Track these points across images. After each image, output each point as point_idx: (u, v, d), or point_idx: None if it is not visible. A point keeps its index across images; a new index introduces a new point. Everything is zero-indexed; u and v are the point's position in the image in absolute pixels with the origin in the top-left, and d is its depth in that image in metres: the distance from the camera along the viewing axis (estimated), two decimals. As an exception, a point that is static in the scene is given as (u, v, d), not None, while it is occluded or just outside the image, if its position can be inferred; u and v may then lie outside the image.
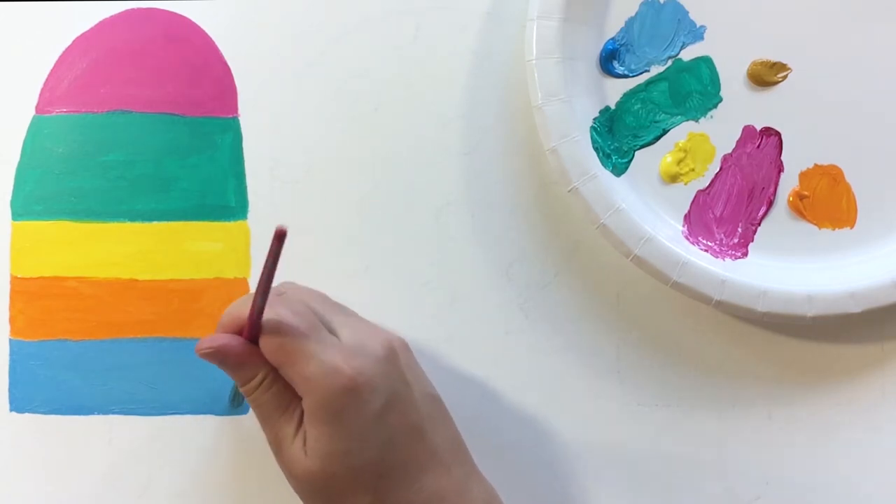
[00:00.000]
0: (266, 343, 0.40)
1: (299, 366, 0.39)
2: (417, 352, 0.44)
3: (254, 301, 0.39)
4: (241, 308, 0.41)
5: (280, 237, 0.37)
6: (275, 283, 0.43)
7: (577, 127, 0.46)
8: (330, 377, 0.39)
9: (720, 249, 0.48)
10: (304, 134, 0.49)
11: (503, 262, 0.49)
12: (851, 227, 0.48)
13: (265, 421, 0.41)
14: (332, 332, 0.41)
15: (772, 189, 0.48)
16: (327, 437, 0.39)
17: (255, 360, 0.40)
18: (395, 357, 0.41)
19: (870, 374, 0.49)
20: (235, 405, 0.48)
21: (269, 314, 0.39)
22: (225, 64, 0.49)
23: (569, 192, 0.46)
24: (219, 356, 0.40)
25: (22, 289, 0.49)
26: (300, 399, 0.40)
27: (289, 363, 0.39)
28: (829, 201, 0.48)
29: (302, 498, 0.41)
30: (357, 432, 0.39)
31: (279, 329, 0.39)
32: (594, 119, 0.48)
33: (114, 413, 0.48)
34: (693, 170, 0.48)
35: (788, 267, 0.47)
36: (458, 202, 0.49)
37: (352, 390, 0.39)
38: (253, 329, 0.40)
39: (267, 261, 0.38)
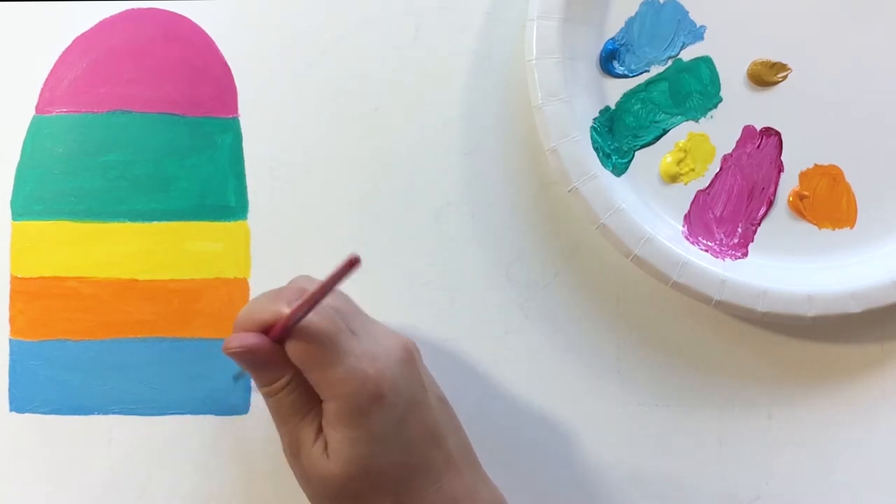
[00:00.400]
0: (293, 346, 0.39)
1: (326, 370, 0.39)
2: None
3: (298, 306, 0.38)
4: (260, 311, 0.40)
5: (352, 265, 0.36)
6: (284, 282, 0.43)
7: (577, 127, 0.46)
8: (356, 382, 0.39)
9: (720, 249, 0.48)
10: (304, 134, 0.49)
11: (503, 262, 0.49)
12: (851, 227, 0.48)
13: (284, 424, 0.41)
14: (353, 334, 0.41)
15: (772, 189, 0.48)
16: (351, 440, 0.39)
17: (281, 362, 0.40)
18: (413, 360, 0.41)
19: (870, 374, 0.49)
20: (236, 380, 0.48)
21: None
22: (225, 64, 0.49)
23: (569, 192, 0.46)
24: (247, 356, 0.40)
25: (22, 289, 0.49)
26: (320, 403, 0.40)
27: (315, 367, 0.39)
28: (829, 201, 0.48)
29: (318, 503, 0.41)
30: (380, 436, 0.39)
31: (307, 333, 0.39)
32: (594, 119, 0.48)
33: (114, 413, 0.48)
34: (693, 170, 0.48)
35: (788, 267, 0.47)
36: (458, 202, 0.49)
37: (377, 395, 0.39)
38: (282, 331, 0.39)
39: (331, 278, 0.38)
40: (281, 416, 0.41)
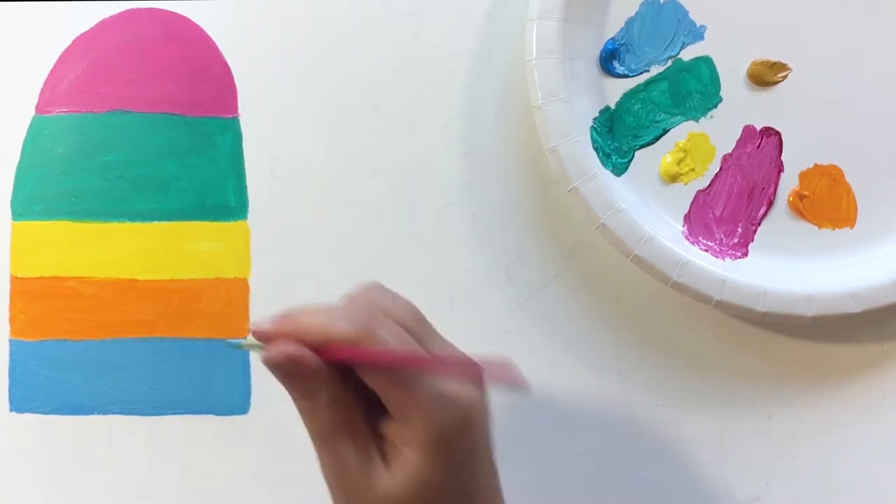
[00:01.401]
0: (373, 374, 0.37)
1: (412, 393, 0.37)
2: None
3: (389, 357, 0.36)
4: (320, 323, 0.37)
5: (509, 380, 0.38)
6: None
7: (577, 127, 0.46)
8: (446, 407, 0.37)
9: (720, 249, 0.48)
10: (304, 134, 0.49)
11: (503, 262, 0.49)
12: (851, 227, 0.48)
13: (324, 441, 0.38)
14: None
15: (772, 189, 0.48)
16: (431, 465, 0.37)
17: (324, 380, 0.37)
18: (485, 383, 0.40)
19: (870, 374, 0.49)
20: (236, 347, 0.47)
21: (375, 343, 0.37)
22: (225, 64, 0.49)
23: (569, 192, 0.46)
24: (289, 367, 0.37)
25: (22, 289, 0.49)
26: (367, 416, 0.38)
27: (398, 389, 0.37)
28: (829, 201, 0.48)
29: None
30: (459, 463, 0.38)
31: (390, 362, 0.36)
32: (594, 119, 0.48)
33: (114, 413, 0.48)
34: (693, 170, 0.48)
35: (788, 267, 0.47)
36: (458, 202, 0.49)
37: (466, 421, 0.37)
38: (347, 359, 0.37)
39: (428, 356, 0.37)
40: (322, 434, 0.38)
